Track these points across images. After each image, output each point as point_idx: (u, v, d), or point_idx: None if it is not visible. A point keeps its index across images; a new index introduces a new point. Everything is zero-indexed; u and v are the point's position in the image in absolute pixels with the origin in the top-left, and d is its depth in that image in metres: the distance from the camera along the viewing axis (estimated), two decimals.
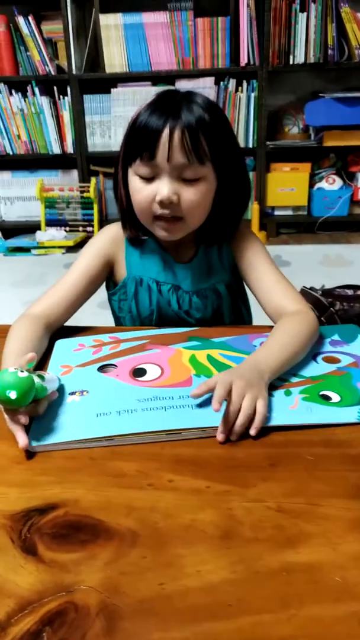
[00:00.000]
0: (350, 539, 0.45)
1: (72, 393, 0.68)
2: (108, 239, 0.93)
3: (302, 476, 0.53)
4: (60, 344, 0.81)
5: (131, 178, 0.82)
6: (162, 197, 0.78)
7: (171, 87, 0.82)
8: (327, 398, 0.65)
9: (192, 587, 0.41)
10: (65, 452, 0.58)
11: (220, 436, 0.59)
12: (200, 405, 0.64)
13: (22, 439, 0.58)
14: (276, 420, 0.61)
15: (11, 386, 0.57)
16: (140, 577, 0.42)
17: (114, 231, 0.93)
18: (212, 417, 0.61)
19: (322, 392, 0.66)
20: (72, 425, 0.62)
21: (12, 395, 0.56)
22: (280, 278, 0.88)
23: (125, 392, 0.67)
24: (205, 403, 0.64)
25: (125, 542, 0.46)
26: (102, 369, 0.73)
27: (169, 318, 0.92)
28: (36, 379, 0.61)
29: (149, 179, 0.79)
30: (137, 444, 0.59)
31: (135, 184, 0.81)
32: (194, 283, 0.91)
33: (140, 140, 0.78)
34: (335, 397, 0.65)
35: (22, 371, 0.59)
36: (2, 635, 0.38)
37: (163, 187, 0.78)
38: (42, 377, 0.63)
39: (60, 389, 0.68)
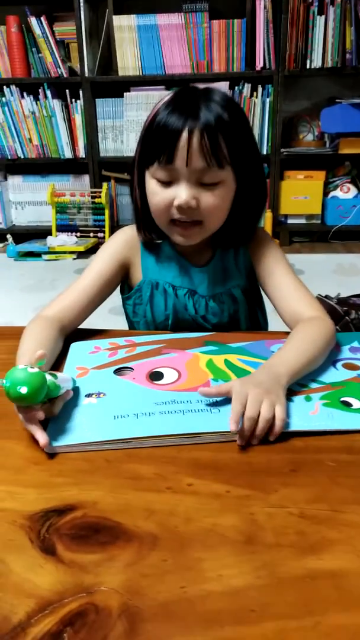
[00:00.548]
0: None
1: (89, 395, 0.67)
2: (123, 242, 0.92)
3: (324, 482, 0.52)
4: (76, 347, 0.80)
5: (148, 181, 0.81)
6: (180, 202, 0.77)
7: (194, 86, 0.80)
8: (348, 404, 0.64)
9: (214, 591, 0.40)
10: (81, 454, 0.58)
11: (240, 440, 0.59)
12: (219, 410, 0.63)
13: (42, 437, 0.58)
14: (297, 425, 0.60)
15: (22, 382, 0.57)
16: (161, 580, 0.42)
17: (129, 234, 0.92)
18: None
19: (342, 399, 0.66)
20: (89, 427, 0.61)
21: (23, 390, 0.56)
22: (298, 284, 0.87)
23: (143, 395, 0.67)
24: (225, 406, 0.63)
25: (145, 545, 0.45)
26: (118, 371, 0.73)
27: (184, 323, 0.91)
28: (48, 377, 0.61)
29: (166, 183, 0.78)
30: (153, 447, 0.58)
31: (153, 187, 0.80)
32: (210, 287, 0.91)
33: (158, 144, 0.77)
34: (356, 404, 0.65)
35: (31, 367, 0.58)
36: (22, 635, 0.37)
37: (182, 192, 0.77)
38: (54, 376, 0.63)
39: (76, 391, 0.68)
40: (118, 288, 0.99)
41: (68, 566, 0.43)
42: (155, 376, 0.71)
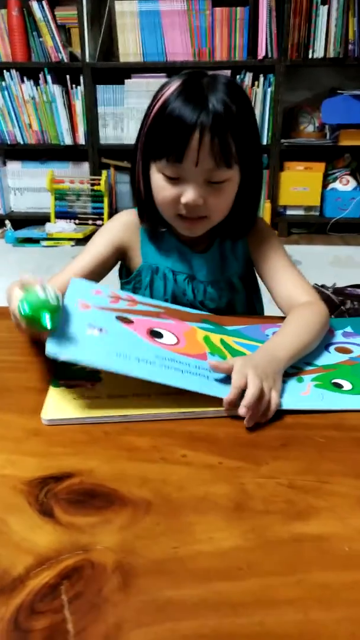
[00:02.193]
0: (358, 514, 0.47)
1: (92, 327, 0.66)
2: (122, 225, 0.93)
3: (312, 456, 0.55)
4: (77, 283, 0.77)
5: (154, 174, 0.81)
6: (187, 201, 0.78)
7: (201, 72, 0.79)
8: (339, 386, 0.67)
9: (204, 552, 0.43)
10: (80, 426, 0.60)
11: (242, 410, 0.59)
12: (216, 378, 0.64)
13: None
14: (288, 404, 0.62)
15: (45, 310, 0.59)
16: (154, 541, 0.44)
17: (128, 218, 0.93)
18: (228, 389, 0.61)
19: (334, 380, 0.68)
20: (92, 352, 0.62)
21: (49, 323, 0.59)
22: (293, 271, 0.89)
23: (144, 346, 0.67)
24: (223, 375, 0.64)
25: (140, 510, 0.47)
26: (119, 319, 0.72)
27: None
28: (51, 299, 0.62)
29: (174, 179, 0.79)
30: (150, 422, 0.60)
31: (159, 182, 0.80)
32: (209, 273, 0.92)
33: (166, 140, 0.76)
34: (347, 385, 0.67)
35: (43, 290, 0.61)
36: (21, 587, 0.39)
37: (189, 192, 0.78)
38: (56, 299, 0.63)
39: (80, 321, 0.67)
40: (117, 274, 1.00)
41: (65, 527, 0.45)
42: (156, 334, 0.71)
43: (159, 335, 0.71)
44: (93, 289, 0.77)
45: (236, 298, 0.96)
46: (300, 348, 0.71)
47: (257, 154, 0.85)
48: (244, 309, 0.98)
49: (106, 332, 0.67)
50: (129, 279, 0.95)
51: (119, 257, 0.94)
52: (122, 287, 0.98)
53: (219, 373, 0.65)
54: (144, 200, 0.87)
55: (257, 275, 0.97)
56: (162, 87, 0.80)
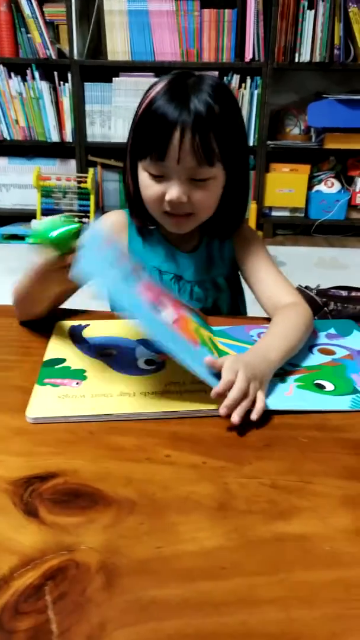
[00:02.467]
0: (340, 514, 0.47)
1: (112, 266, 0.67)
2: (110, 225, 0.94)
3: (295, 456, 0.55)
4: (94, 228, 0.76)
5: (141, 172, 0.82)
6: (171, 198, 0.79)
7: (188, 72, 0.82)
8: (321, 387, 0.67)
9: (188, 551, 0.43)
10: (65, 425, 0.60)
11: (223, 410, 0.59)
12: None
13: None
14: (271, 405, 0.63)
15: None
16: (138, 541, 0.44)
17: (116, 218, 0.94)
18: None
19: (316, 381, 0.68)
20: (115, 286, 0.63)
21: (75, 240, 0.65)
22: (277, 273, 0.90)
23: (150, 309, 0.67)
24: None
25: (124, 510, 0.48)
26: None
27: None
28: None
29: (158, 177, 0.80)
30: (134, 422, 0.61)
31: (145, 180, 0.82)
32: (196, 273, 0.93)
33: (149, 139, 0.78)
34: (329, 386, 0.67)
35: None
36: (5, 587, 0.39)
37: (172, 189, 0.79)
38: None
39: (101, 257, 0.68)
40: None
41: (50, 527, 0.45)
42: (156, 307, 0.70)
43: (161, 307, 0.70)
44: (104, 240, 0.75)
45: (221, 298, 0.96)
46: (289, 350, 0.72)
47: (242, 155, 0.86)
48: (229, 310, 0.99)
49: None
50: None
51: None
52: None
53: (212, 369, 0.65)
54: (133, 199, 0.88)
55: (241, 277, 0.98)
56: (150, 88, 0.81)
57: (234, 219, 0.91)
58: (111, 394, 0.64)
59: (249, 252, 0.92)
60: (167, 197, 0.79)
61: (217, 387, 0.61)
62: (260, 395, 0.62)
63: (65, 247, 0.66)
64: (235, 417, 0.59)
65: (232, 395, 0.60)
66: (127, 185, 0.88)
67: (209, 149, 0.77)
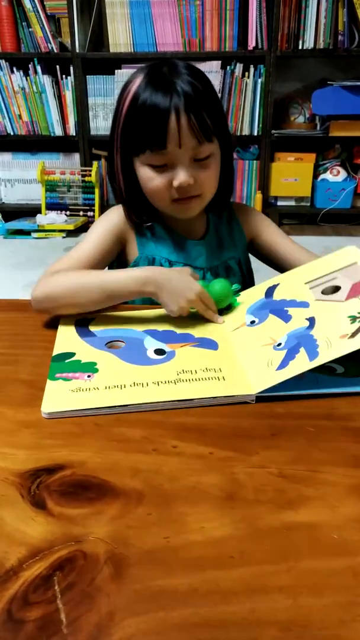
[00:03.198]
0: (348, 503, 0.47)
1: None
2: (119, 217, 0.93)
3: (303, 446, 0.55)
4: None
5: (140, 168, 0.82)
6: (180, 183, 0.80)
7: (158, 62, 0.84)
8: (331, 369, 0.67)
9: (196, 541, 0.43)
10: (72, 418, 0.60)
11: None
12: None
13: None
14: (285, 389, 0.63)
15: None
16: (146, 531, 0.44)
17: (123, 213, 0.93)
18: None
19: (327, 364, 0.68)
20: None
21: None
22: (292, 241, 0.97)
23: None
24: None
25: (131, 501, 0.48)
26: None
27: None
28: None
29: (161, 167, 0.80)
30: (141, 413, 0.61)
31: (147, 173, 0.82)
32: (208, 259, 0.93)
33: (145, 131, 0.78)
34: (339, 369, 0.67)
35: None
36: (15, 578, 0.40)
37: (180, 174, 0.79)
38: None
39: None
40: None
41: (57, 519, 0.45)
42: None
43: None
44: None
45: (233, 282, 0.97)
46: None
47: (227, 125, 0.87)
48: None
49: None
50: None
51: (120, 248, 0.93)
52: None
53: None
54: (125, 198, 0.88)
55: (258, 255, 1.01)
56: (126, 85, 0.82)
57: (228, 187, 0.92)
58: (124, 385, 0.64)
59: (261, 225, 0.97)
60: (176, 183, 0.80)
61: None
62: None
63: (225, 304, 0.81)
64: None
65: None
66: (119, 186, 0.88)
67: (205, 125, 0.78)
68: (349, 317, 0.67)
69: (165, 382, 0.65)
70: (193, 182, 0.80)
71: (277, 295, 0.80)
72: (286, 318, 0.73)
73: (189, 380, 0.65)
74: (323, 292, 0.74)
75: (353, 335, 0.64)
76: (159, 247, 0.92)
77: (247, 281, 1.02)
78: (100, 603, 0.38)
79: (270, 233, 0.98)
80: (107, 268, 0.93)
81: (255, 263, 1.03)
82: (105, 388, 0.64)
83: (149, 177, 0.82)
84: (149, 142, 0.78)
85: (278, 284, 0.82)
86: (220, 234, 0.95)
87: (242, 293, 0.85)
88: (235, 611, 0.37)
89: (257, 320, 0.76)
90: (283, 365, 0.65)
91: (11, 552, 0.42)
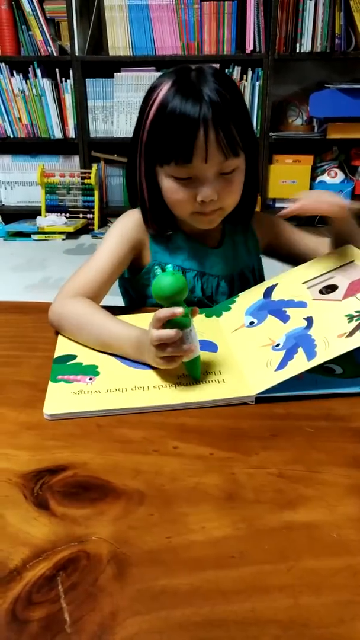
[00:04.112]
0: (347, 502, 0.48)
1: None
2: (134, 224, 0.91)
3: (302, 446, 0.56)
4: None
5: (163, 178, 0.81)
6: (204, 199, 0.78)
7: (186, 67, 0.80)
8: (330, 370, 0.68)
9: (197, 541, 0.44)
10: (73, 420, 0.60)
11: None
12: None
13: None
14: (284, 390, 0.63)
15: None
16: (148, 532, 0.45)
17: (139, 217, 0.91)
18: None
19: (325, 365, 0.69)
20: None
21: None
22: (305, 232, 1.00)
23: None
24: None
25: (133, 501, 0.48)
26: None
27: (191, 305, 0.92)
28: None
29: (184, 179, 0.79)
30: (142, 414, 0.61)
31: (170, 185, 0.80)
32: (224, 268, 0.93)
33: (171, 144, 0.76)
34: (337, 370, 0.68)
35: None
36: (18, 579, 0.40)
37: (205, 190, 0.78)
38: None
39: None
40: None
41: (60, 519, 0.46)
42: None
43: None
44: None
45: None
46: None
47: (254, 137, 0.86)
48: None
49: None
50: (138, 276, 0.94)
51: (134, 254, 0.92)
52: (127, 282, 0.97)
53: None
54: (148, 207, 0.86)
55: (278, 256, 1.02)
56: (152, 90, 0.80)
57: (251, 201, 0.91)
58: (125, 389, 0.65)
59: (276, 228, 0.98)
60: (200, 199, 0.79)
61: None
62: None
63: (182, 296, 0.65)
64: None
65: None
66: (142, 194, 0.85)
67: (233, 140, 0.77)
68: (346, 316, 0.68)
69: (166, 385, 0.65)
70: (217, 197, 0.79)
71: (275, 296, 0.80)
72: (284, 318, 0.74)
73: (189, 383, 0.66)
74: (321, 292, 0.75)
75: (350, 334, 0.65)
76: (172, 255, 0.91)
77: None
78: (103, 603, 0.38)
79: (286, 232, 0.99)
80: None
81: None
82: (107, 391, 0.64)
83: (172, 189, 0.80)
84: (175, 155, 0.77)
85: (276, 284, 0.82)
86: (236, 242, 0.95)
87: (241, 294, 0.86)
88: (236, 610, 0.38)
89: (255, 321, 0.77)
90: (282, 365, 0.65)
91: (15, 552, 0.42)
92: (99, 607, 0.38)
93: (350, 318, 0.67)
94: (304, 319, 0.71)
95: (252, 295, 0.83)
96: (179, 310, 0.63)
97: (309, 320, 0.71)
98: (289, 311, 0.75)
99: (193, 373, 0.67)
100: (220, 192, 0.79)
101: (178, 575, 0.41)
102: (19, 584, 0.40)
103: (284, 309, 0.76)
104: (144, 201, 0.87)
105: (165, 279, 0.64)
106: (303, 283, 0.79)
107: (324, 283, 0.77)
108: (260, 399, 0.63)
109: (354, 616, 0.38)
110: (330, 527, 0.45)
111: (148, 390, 0.64)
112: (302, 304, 0.75)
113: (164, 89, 0.78)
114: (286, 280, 0.82)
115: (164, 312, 0.64)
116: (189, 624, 0.37)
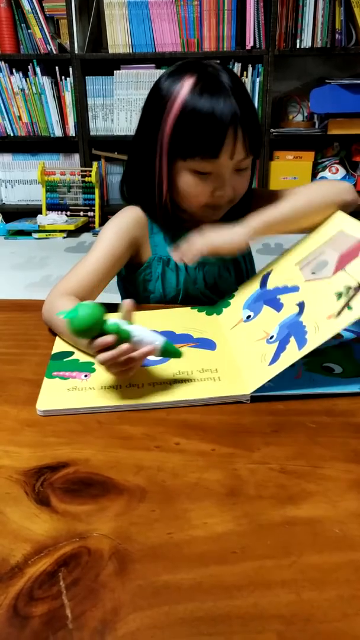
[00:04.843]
0: (350, 497, 0.47)
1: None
2: (132, 221, 0.91)
3: (304, 442, 0.55)
4: None
5: (183, 171, 0.81)
6: (223, 193, 0.81)
7: (201, 62, 0.80)
8: (329, 370, 0.67)
9: (199, 537, 0.43)
10: (74, 416, 0.60)
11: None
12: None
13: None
14: (281, 389, 0.63)
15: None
16: (150, 527, 0.44)
17: (137, 214, 0.91)
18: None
19: (324, 364, 0.68)
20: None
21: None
22: (283, 192, 0.94)
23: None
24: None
25: (135, 497, 0.48)
26: None
27: (193, 297, 0.93)
28: (115, 321, 0.62)
29: (205, 173, 0.80)
30: (143, 411, 0.61)
31: (189, 178, 0.81)
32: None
33: (200, 139, 0.77)
34: (337, 369, 0.68)
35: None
36: (20, 575, 0.40)
37: (225, 185, 0.81)
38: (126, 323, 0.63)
39: None
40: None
41: (62, 515, 0.46)
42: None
43: None
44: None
45: (247, 270, 0.99)
46: (288, 208, 0.81)
47: (261, 135, 0.89)
48: (243, 281, 0.98)
49: None
50: (138, 272, 0.93)
51: (132, 252, 0.92)
52: (127, 279, 0.96)
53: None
54: (165, 202, 0.86)
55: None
56: (169, 88, 0.79)
57: (248, 197, 0.91)
58: (119, 386, 0.65)
59: (269, 196, 0.93)
60: (218, 193, 0.81)
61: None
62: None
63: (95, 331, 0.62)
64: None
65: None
66: (162, 187, 0.84)
67: (254, 138, 0.80)
68: (336, 293, 0.67)
69: (161, 383, 0.65)
70: (232, 193, 0.82)
71: (270, 284, 0.80)
72: (278, 307, 0.73)
73: (184, 381, 0.65)
74: (313, 272, 0.74)
75: (339, 314, 0.64)
76: (172, 248, 0.91)
77: (250, 272, 1.01)
78: (105, 598, 0.38)
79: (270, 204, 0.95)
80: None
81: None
82: (101, 388, 0.64)
83: (190, 183, 0.81)
84: (202, 150, 0.78)
85: (271, 271, 0.82)
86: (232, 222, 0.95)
87: (239, 287, 0.86)
88: (239, 605, 0.38)
89: (252, 314, 0.76)
90: (275, 359, 0.65)
91: (16, 549, 0.42)
92: (100, 603, 0.38)
93: (339, 295, 0.66)
94: (296, 304, 0.71)
95: (249, 287, 0.83)
96: (110, 338, 0.61)
97: (301, 306, 0.70)
98: (283, 298, 0.74)
99: (173, 356, 0.66)
100: (235, 186, 0.82)
101: (180, 571, 0.40)
102: (20, 580, 0.40)
103: (278, 296, 0.75)
104: (159, 196, 0.85)
105: (75, 319, 0.60)
106: (296, 264, 0.78)
107: (314, 262, 0.75)
108: (259, 397, 0.62)
109: (357, 611, 0.37)
110: (333, 522, 0.45)
111: (142, 387, 0.64)
112: (295, 289, 0.74)
113: (186, 85, 0.78)
114: (280, 266, 0.82)
115: (97, 344, 0.61)
116: (191, 620, 0.37)
